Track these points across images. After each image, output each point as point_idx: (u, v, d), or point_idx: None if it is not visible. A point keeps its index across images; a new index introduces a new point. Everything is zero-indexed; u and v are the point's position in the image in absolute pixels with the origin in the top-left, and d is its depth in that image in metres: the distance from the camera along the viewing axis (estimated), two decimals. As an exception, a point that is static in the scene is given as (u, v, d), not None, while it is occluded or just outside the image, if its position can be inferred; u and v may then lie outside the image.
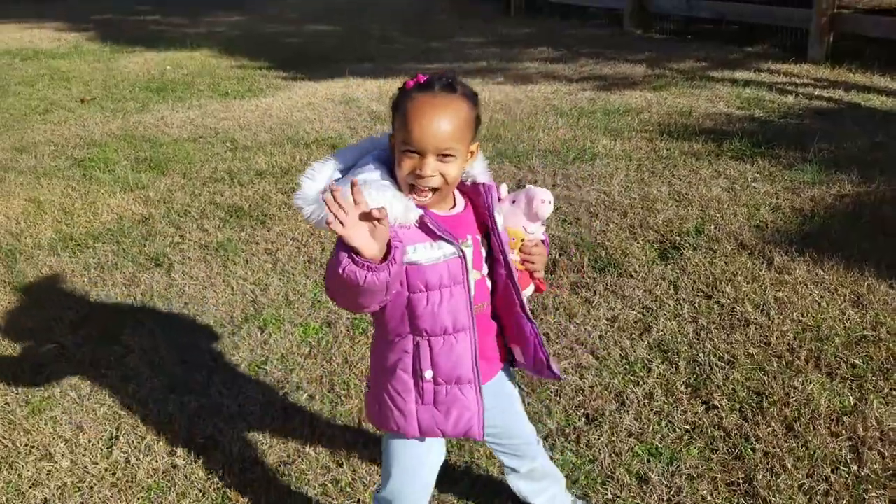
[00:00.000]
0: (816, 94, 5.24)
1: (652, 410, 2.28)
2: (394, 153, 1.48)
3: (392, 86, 6.36)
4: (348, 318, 2.85)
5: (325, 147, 4.76)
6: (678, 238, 3.28)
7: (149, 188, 4.19)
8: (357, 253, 1.30)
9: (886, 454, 2.03)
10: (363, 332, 2.76)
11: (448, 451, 1.93)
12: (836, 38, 6.20)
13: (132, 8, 11.92)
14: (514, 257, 1.58)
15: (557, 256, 3.20)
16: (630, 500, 1.98)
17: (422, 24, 9.52)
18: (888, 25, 5.96)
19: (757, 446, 2.10)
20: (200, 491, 2.09)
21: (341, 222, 1.27)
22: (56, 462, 2.22)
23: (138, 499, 2.08)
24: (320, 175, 1.49)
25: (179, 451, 2.23)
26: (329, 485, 2.09)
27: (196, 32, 9.58)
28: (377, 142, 1.59)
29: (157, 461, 2.20)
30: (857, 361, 2.38)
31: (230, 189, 4.12)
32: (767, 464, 2.04)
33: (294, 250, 3.41)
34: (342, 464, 2.16)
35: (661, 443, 2.14)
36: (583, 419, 2.26)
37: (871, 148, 4.09)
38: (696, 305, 2.78)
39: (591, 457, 2.12)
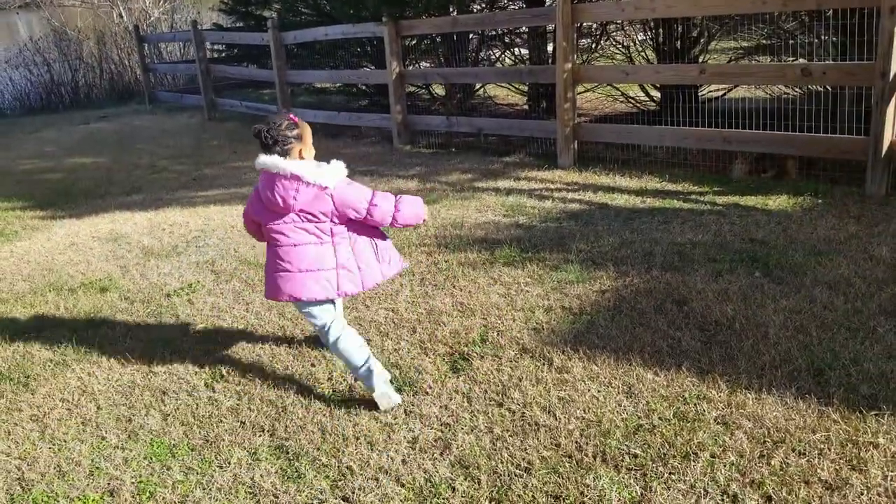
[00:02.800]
0: (570, 197, 5.79)
1: (461, 531, 2.29)
2: (303, 153, 2.89)
3: (163, 217, 6.20)
4: (132, 483, 2.63)
5: (93, 291, 4.46)
6: (466, 348, 3.41)
7: None
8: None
9: (674, 537, 2.19)
10: (150, 497, 2.55)
11: None
12: (581, 145, 6.93)
13: None
14: None
15: (353, 381, 3.19)
16: None
17: (193, 151, 9.39)
18: (617, 132, 6.77)
19: (562, 551, 2.17)
20: None
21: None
22: None
23: None
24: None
25: None
26: None
27: (-67, 174, 8.73)
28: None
29: None
30: (637, 451, 2.57)
31: (-16, 351, 3.71)
32: (573, 567, 2.11)
33: (65, 413, 3.11)
34: None
35: (473, 565, 2.15)
36: (394, 554, 2.22)
37: (621, 245, 4.55)
38: (490, 415, 2.88)
39: None
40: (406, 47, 9.64)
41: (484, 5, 10.24)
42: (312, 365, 3.36)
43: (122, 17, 18.68)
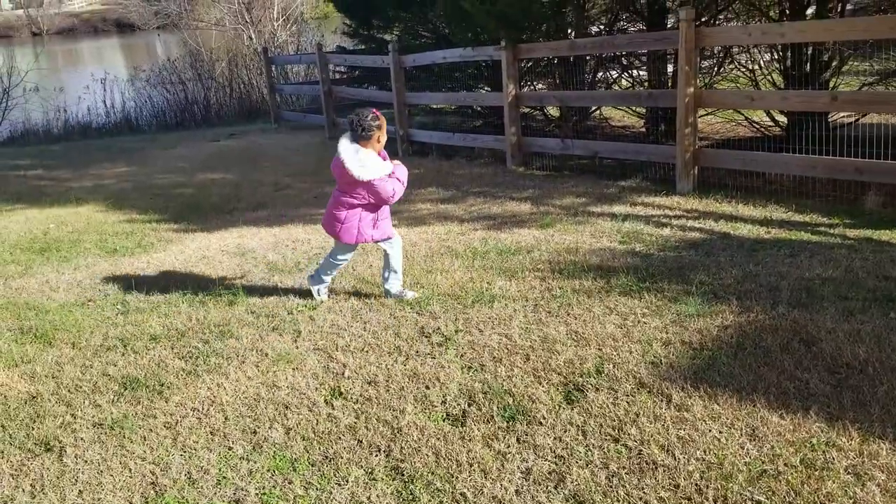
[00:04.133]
0: (689, 225, 5.64)
1: (575, 568, 2.27)
2: (371, 142, 4.24)
3: (287, 233, 6.46)
4: (256, 495, 2.75)
5: (222, 304, 4.69)
6: (580, 379, 3.38)
7: (35, 362, 3.98)
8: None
9: None
10: (274, 509, 2.66)
11: None
12: (701, 171, 6.75)
13: (11, 163, 11.64)
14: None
15: (467, 407, 3.22)
16: None
17: (315, 169, 9.74)
18: (740, 158, 6.56)
19: None
20: None
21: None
22: None
23: None
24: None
25: None
26: None
27: (81, 186, 9.43)
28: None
29: None
30: (761, 497, 2.48)
31: (123, 358, 3.97)
32: None
33: (195, 422, 3.28)
34: None
35: None
36: (508, 586, 2.22)
37: (745, 278, 4.40)
38: (606, 450, 2.84)
39: None
40: (521, 69, 9.68)
41: (602, 27, 10.18)
42: (427, 387, 3.42)
43: (251, 39, 19.67)
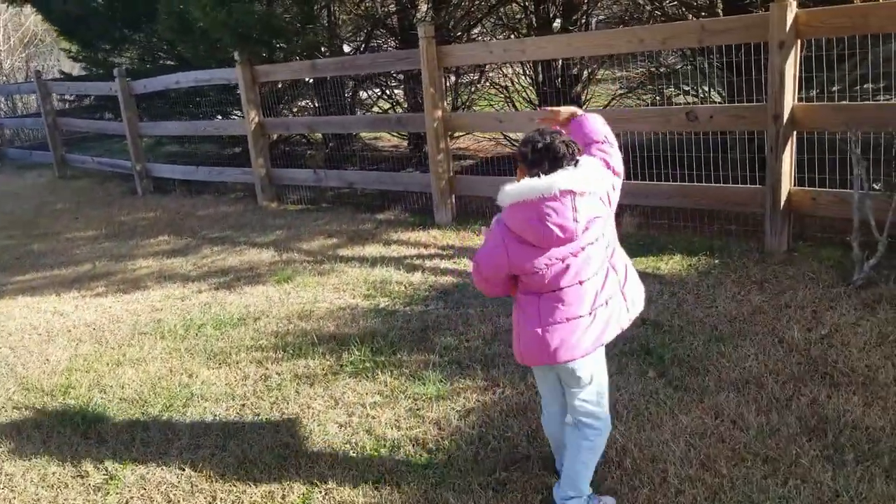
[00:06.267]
0: (442, 266, 5.01)
1: None
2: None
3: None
4: None
5: None
6: (280, 521, 2.54)
7: None
8: None
9: None
10: None
11: None
12: (459, 199, 6.20)
13: None
14: None
15: None
16: None
17: (30, 218, 8.21)
18: (496, 185, 6.07)
19: None
20: None
21: None
22: None
23: None
24: None
25: None
26: None
27: None
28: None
29: None
30: None
31: None
32: None
33: None
34: None
35: None
36: None
37: (494, 336, 3.76)
38: None
39: None
40: (278, 92, 8.78)
41: (356, 45, 9.49)
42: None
43: (-29, 66, 17.07)
